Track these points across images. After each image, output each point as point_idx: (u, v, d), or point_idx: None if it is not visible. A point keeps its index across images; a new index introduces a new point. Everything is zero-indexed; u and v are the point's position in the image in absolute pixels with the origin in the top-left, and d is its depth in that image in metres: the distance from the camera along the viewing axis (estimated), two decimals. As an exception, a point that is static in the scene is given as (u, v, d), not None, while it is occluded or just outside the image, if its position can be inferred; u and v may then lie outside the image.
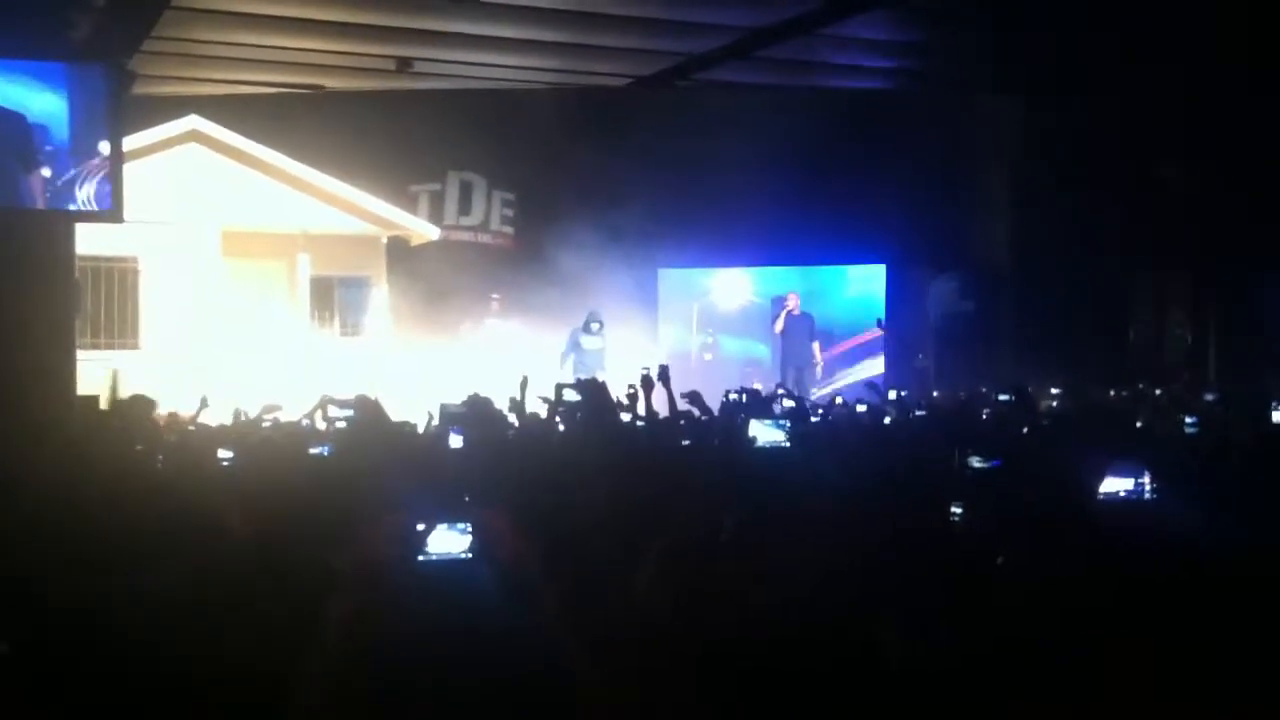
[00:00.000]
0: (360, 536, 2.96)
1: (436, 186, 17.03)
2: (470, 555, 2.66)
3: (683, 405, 7.07)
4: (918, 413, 8.04)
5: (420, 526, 2.68)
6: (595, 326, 14.61)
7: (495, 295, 16.15)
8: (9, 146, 9.16)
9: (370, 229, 15.91)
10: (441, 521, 2.67)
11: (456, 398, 6.29)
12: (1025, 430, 6.48)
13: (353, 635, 2.56)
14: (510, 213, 17.45)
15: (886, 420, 7.88)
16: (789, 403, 8.19)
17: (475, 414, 4.97)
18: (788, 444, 4.40)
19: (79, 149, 9.29)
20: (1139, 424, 7.47)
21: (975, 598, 2.86)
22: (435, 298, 15.41)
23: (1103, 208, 14.20)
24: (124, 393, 4.98)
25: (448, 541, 2.69)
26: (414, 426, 6.61)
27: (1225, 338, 13.43)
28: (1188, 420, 7.04)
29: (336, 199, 15.40)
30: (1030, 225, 15.51)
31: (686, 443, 5.74)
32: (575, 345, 14.52)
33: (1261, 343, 13.25)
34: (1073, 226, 14.62)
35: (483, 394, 6.17)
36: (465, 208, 17.27)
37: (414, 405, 8.22)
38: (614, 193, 15.31)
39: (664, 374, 6.87)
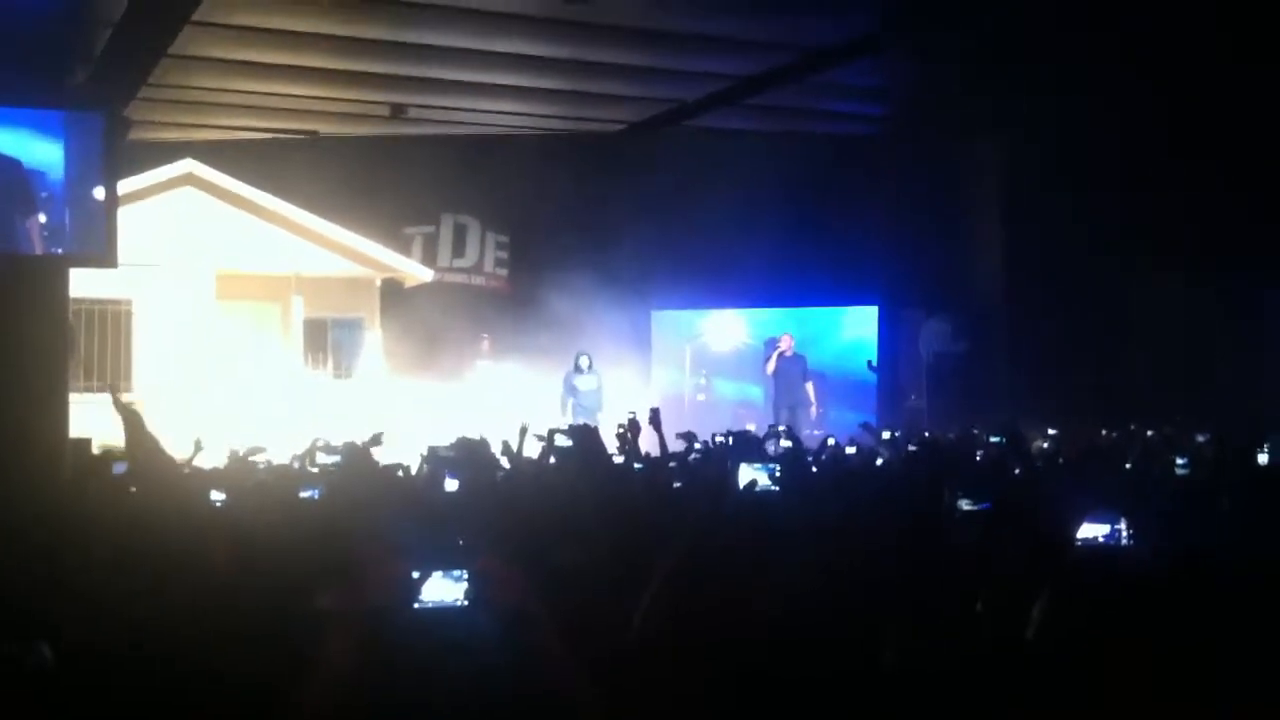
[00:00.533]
0: (352, 582, 2.98)
1: (430, 229, 17.12)
2: (466, 603, 2.66)
3: (678, 445, 7.08)
4: (910, 448, 8.05)
5: (415, 574, 2.68)
6: (585, 365, 14.63)
7: (485, 335, 16.19)
8: (5, 192, 9.22)
9: (364, 271, 15.98)
10: (436, 569, 2.66)
11: (449, 439, 6.31)
12: (1017, 472, 6.50)
13: (345, 682, 2.57)
14: (504, 255, 17.53)
15: (879, 461, 7.90)
16: (786, 442, 8.19)
17: (464, 457, 4.98)
18: (776, 489, 4.41)
19: (74, 195, 9.35)
20: (1129, 465, 7.47)
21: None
22: (429, 339, 15.47)
23: (1094, 246, 14.29)
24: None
25: (443, 589, 2.68)
26: (407, 469, 6.63)
27: (1219, 375, 13.47)
28: (1179, 461, 7.04)
29: (330, 242, 15.46)
30: (1022, 265, 15.60)
31: (678, 484, 5.76)
32: (571, 388, 14.55)
33: (1258, 381, 13.29)
34: (1064, 265, 14.70)
35: (475, 436, 6.19)
36: (459, 250, 17.35)
37: (407, 447, 8.23)
38: (607, 235, 15.42)
39: (654, 418, 6.90)
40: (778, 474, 4.56)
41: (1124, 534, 3.92)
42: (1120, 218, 13.95)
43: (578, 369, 14.67)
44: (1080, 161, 13.85)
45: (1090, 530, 3.88)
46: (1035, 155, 14.63)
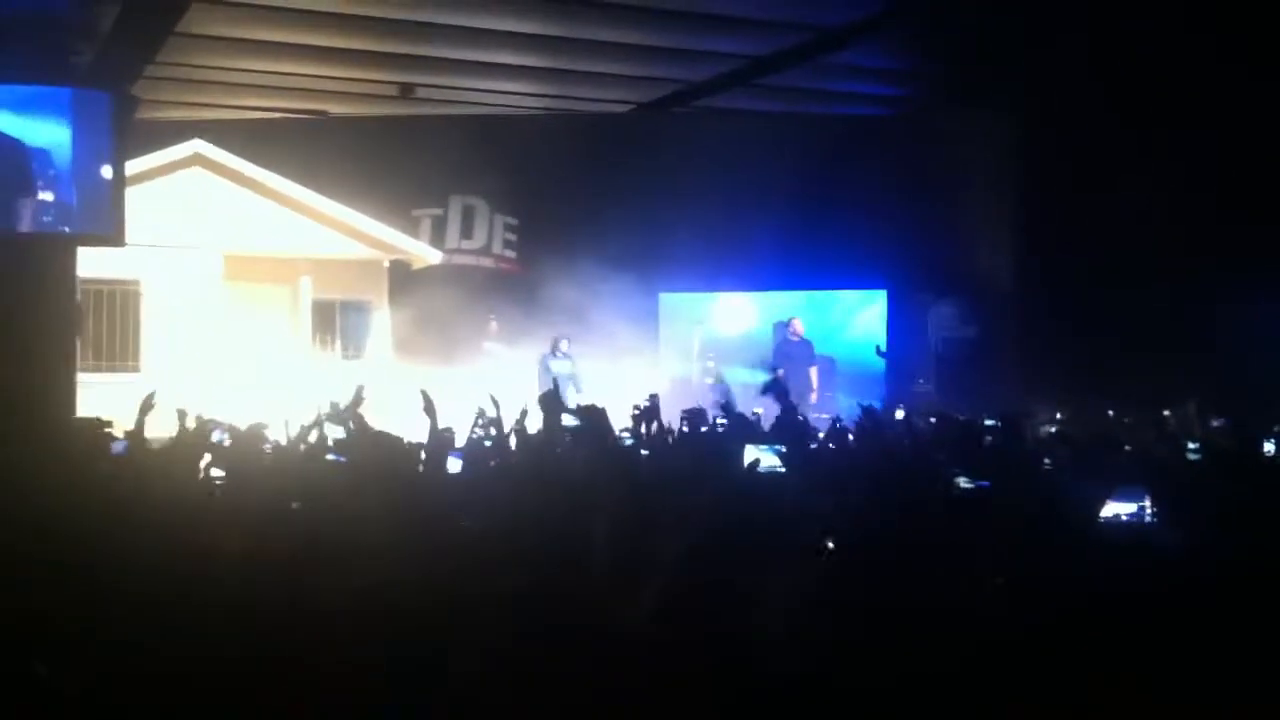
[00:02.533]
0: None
1: (439, 211, 17.06)
2: None
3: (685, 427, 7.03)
4: (930, 420, 8.01)
5: None
6: (563, 349, 14.52)
7: (492, 317, 16.14)
8: (9, 173, 9.21)
9: (372, 253, 15.94)
10: None
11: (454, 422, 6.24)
12: (1016, 455, 6.46)
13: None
14: (513, 237, 17.47)
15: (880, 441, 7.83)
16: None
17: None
18: (783, 469, 4.37)
19: (82, 173, 9.35)
20: (1136, 449, 7.42)
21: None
22: (437, 321, 15.43)
23: (1106, 229, 14.19)
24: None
25: None
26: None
27: (1235, 359, 13.36)
28: (1190, 446, 6.97)
29: (339, 223, 15.43)
30: (1032, 249, 15.51)
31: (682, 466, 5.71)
32: (545, 370, 14.39)
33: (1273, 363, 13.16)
34: (1075, 249, 14.60)
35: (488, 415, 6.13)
36: (467, 231, 17.30)
37: (416, 428, 8.19)
38: (616, 217, 15.35)
39: (653, 407, 6.83)
40: (783, 453, 4.53)
41: (1148, 511, 3.92)
42: (1137, 203, 13.84)
43: (554, 352, 14.56)
44: (1095, 144, 13.74)
45: (1115, 509, 3.88)
46: (1049, 138, 14.53)
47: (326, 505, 4.09)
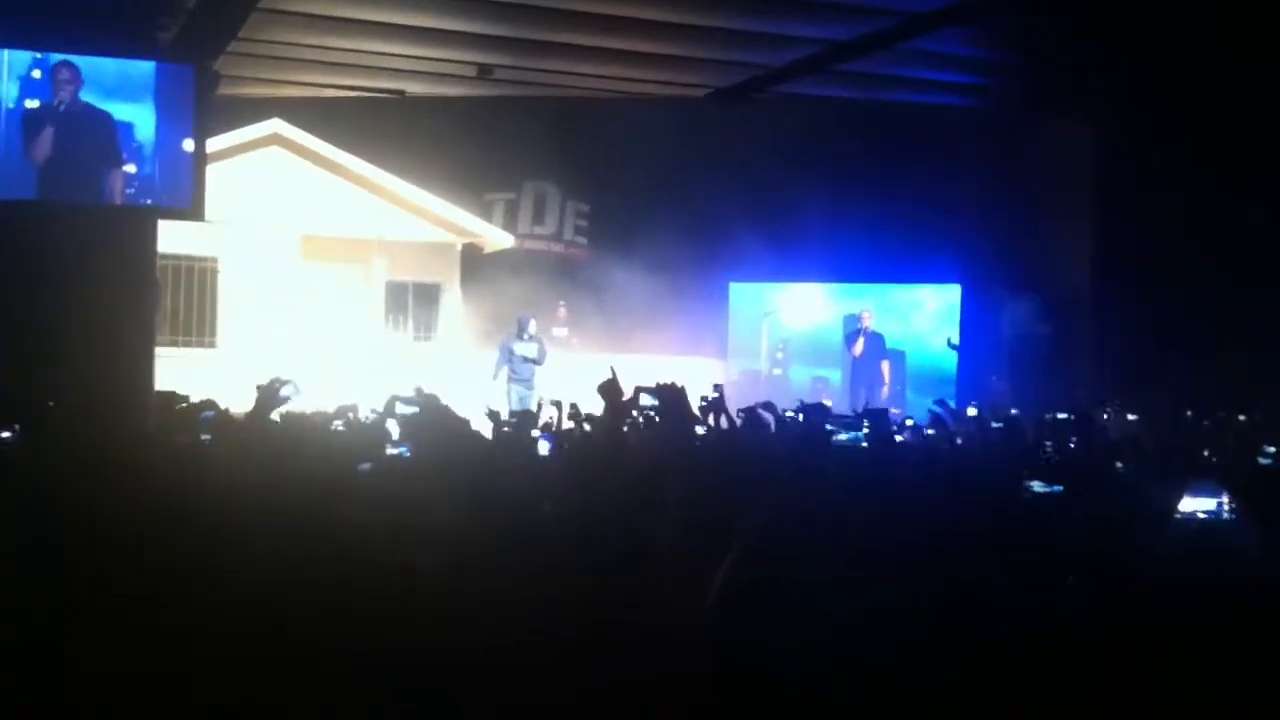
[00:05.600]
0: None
1: (512, 195, 17.11)
2: None
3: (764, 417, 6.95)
4: (994, 425, 7.87)
5: None
6: (530, 330, 14.20)
7: (561, 303, 16.14)
8: (95, 145, 9.33)
9: (445, 236, 16.03)
10: None
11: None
12: (1088, 455, 6.32)
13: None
14: (584, 223, 17.47)
15: (958, 441, 7.72)
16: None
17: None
18: (865, 444, 4.29)
19: (163, 147, 9.45)
20: (1212, 453, 7.21)
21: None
22: (507, 305, 15.46)
23: (1184, 227, 13.89)
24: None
25: None
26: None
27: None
28: (1267, 450, 6.76)
29: (413, 205, 15.54)
30: (1108, 248, 15.21)
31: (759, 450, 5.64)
32: (508, 352, 14.12)
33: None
34: (1152, 250, 14.31)
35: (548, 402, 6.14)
36: (539, 217, 17.33)
37: (482, 409, 8.20)
38: (688, 204, 15.28)
39: (719, 399, 6.73)
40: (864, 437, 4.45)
41: (1226, 508, 3.85)
42: (1218, 203, 13.52)
43: (520, 334, 14.18)
44: (1180, 142, 13.44)
45: (1192, 504, 3.81)
46: (1133, 134, 14.22)
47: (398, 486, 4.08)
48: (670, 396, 4.51)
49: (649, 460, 4.54)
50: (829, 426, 4.40)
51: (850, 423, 6.10)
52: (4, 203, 9.09)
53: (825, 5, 10.86)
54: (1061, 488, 4.42)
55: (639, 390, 5.82)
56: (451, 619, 2.83)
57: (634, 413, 5.83)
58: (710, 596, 2.80)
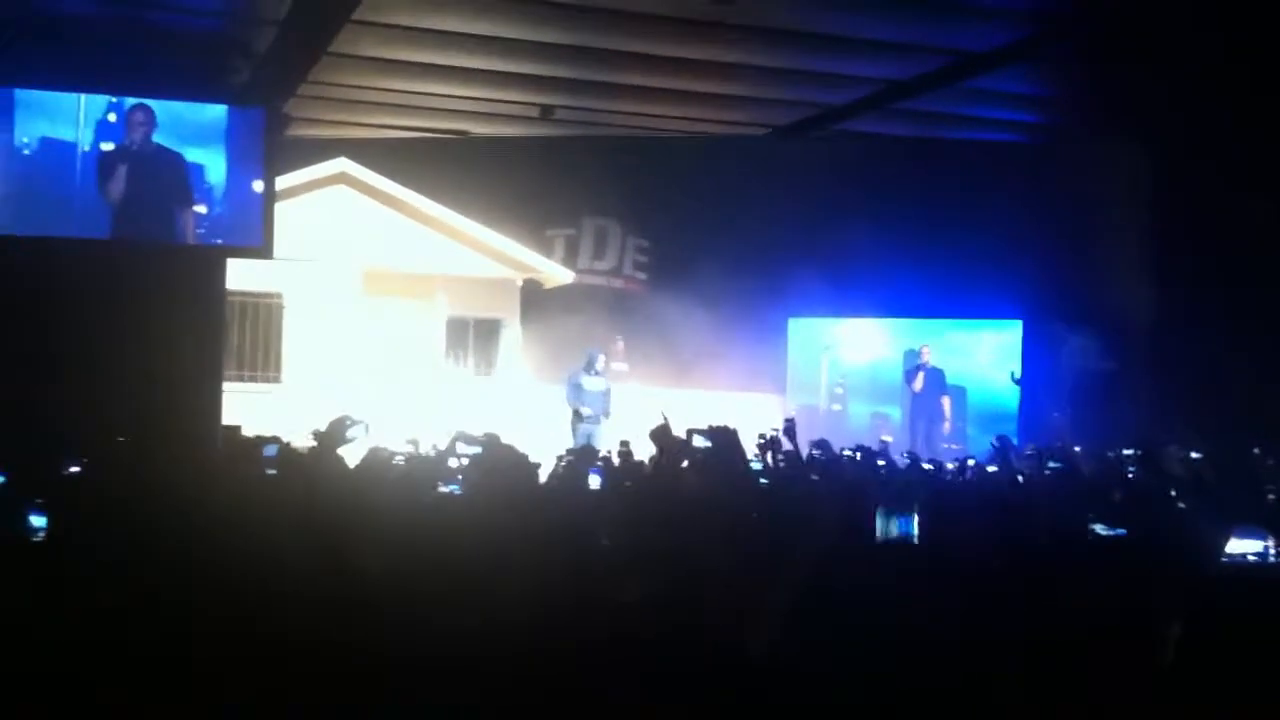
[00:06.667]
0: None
1: (572, 231, 17.25)
2: None
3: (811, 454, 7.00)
4: (1051, 465, 7.81)
5: None
6: (599, 366, 13.93)
7: (619, 337, 16.22)
8: (168, 186, 9.61)
9: (506, 272, 16.19)
10: None
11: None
12: (1154, 497, 6.27)
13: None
14: (644, 258, 17.57)
15: (1020, 479, 7.68)
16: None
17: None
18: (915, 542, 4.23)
19: (234, 187, 9.70)
20: (1272, 492, 7.11)
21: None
22: (567, 340, 15.58)
23: (1247, 258, 13.71)
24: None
25: None
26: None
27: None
28: (1327, 489, 6.65)
29: (475, 242, 15.71)
30: (1171, 282, 15.05)
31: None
32: (576, 387, 13.81)
33: None
34: (1215, 284, 14.13)
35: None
36: (600, 252, 17.45)
37: (544, 446, 8.30)
38: (748, 240, 15.34)
39: (790, 428, 6.80)
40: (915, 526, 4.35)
41: (1272, 552, 3.81)
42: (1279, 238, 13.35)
43: (589, 370, 13.90)
44: (1242, 171, 13.29)
45: (1239, 547, 3.78)
46: (1193, 164, 14.09)
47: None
48: (722, 438, 4.58)
49: (700, 497, 4.61)
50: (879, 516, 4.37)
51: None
52: (79, 241, 9.36)
53: (885, 45, 10.92)
54: (1125, 531, 4.40)
55: (691, 432, 5.88)
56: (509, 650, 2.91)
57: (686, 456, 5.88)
58: (758, 628, 2.85)
